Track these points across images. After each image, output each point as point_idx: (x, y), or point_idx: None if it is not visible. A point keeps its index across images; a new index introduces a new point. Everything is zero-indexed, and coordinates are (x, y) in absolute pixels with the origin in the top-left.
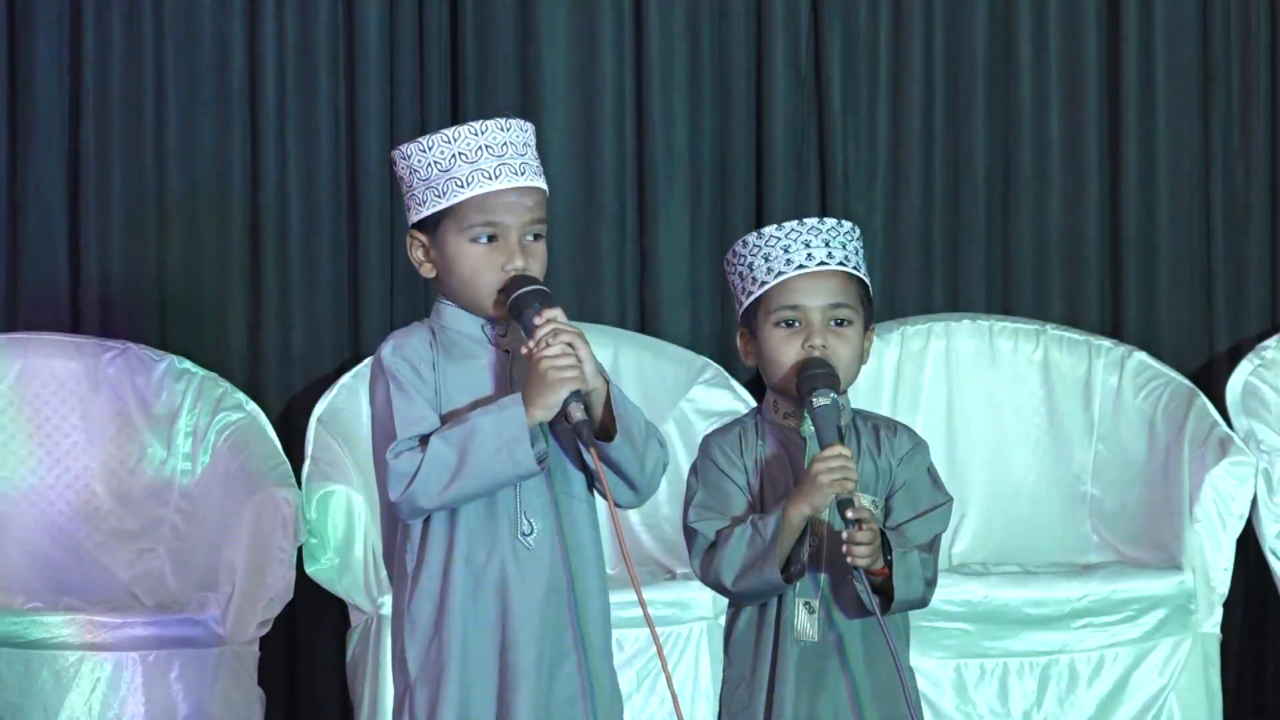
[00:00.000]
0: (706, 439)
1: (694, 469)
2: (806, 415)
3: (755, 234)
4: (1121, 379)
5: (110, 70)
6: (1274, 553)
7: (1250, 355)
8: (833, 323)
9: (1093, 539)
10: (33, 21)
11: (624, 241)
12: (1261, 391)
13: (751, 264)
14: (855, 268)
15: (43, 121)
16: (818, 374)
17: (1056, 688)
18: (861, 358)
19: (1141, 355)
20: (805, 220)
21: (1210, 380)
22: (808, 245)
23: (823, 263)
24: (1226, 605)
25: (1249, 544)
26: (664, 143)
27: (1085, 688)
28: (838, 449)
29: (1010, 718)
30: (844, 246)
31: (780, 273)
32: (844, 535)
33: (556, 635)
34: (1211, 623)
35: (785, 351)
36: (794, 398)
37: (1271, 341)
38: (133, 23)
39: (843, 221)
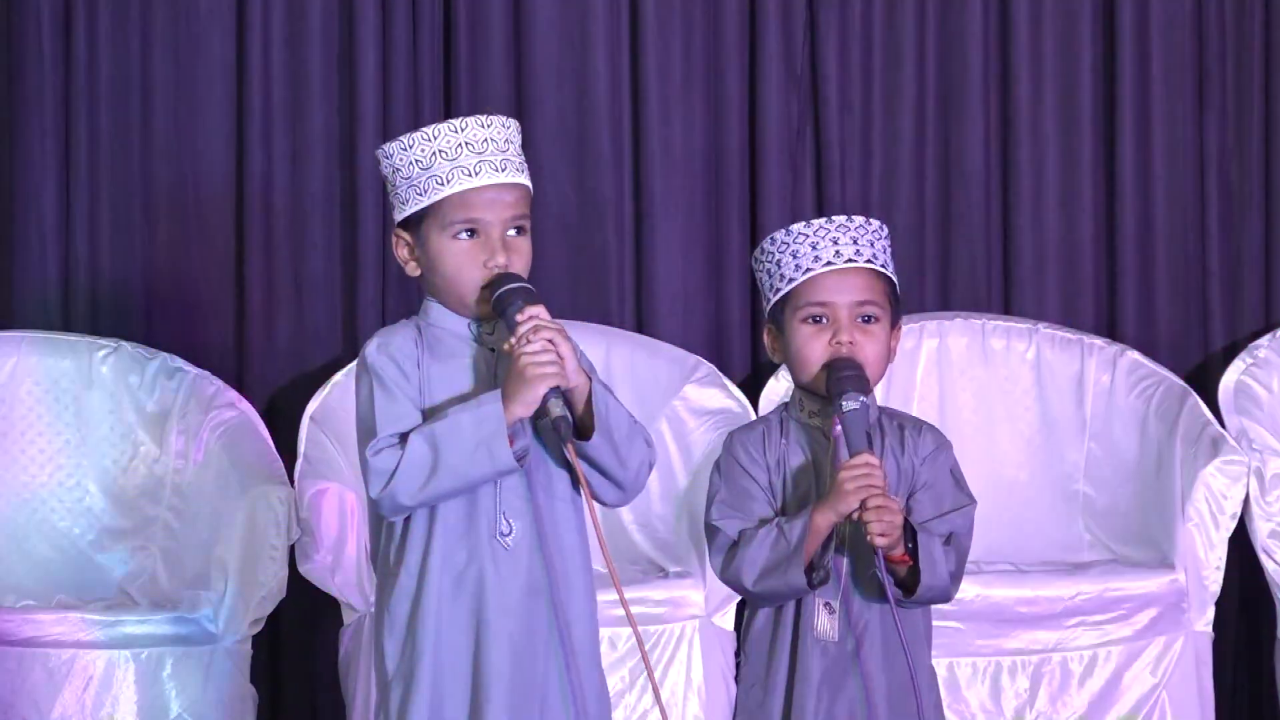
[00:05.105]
0: (731, 436)
1: (717, 466)
2: (834, 415)
3: (784, 230)
4: (1114, 378)
5: (99, 67)
6: (1266, 551)
7: (1243, 354)
8: (860, 319)
9: (1085, 537)
10: (22, 20)
11: (619, 240)
12: (1254, 390)
13: (780, 260)
14: (883, 266)
15: (32, 120)
16: (847, 376)
17: (1049, 686)
18: (889, 356)
19: (1134, 354)
20: (834, 218)
21: (1206, 379)
22: (836, 243)
23: (850, 260)
24: (1222, 604)
25: (1243, 543)
26: (658, 141)
27: (1077, 686)
28: (864, 457)
29: (1002, 716)
30: (872, 244)
31: (808, 269)
32: (862, 516)
33: (535, 637)
34: (1204, 621)
35: (812, 348)
36: (821, 396)
37: (1264, 340)
38: (121, 18)
39: (871, 220)
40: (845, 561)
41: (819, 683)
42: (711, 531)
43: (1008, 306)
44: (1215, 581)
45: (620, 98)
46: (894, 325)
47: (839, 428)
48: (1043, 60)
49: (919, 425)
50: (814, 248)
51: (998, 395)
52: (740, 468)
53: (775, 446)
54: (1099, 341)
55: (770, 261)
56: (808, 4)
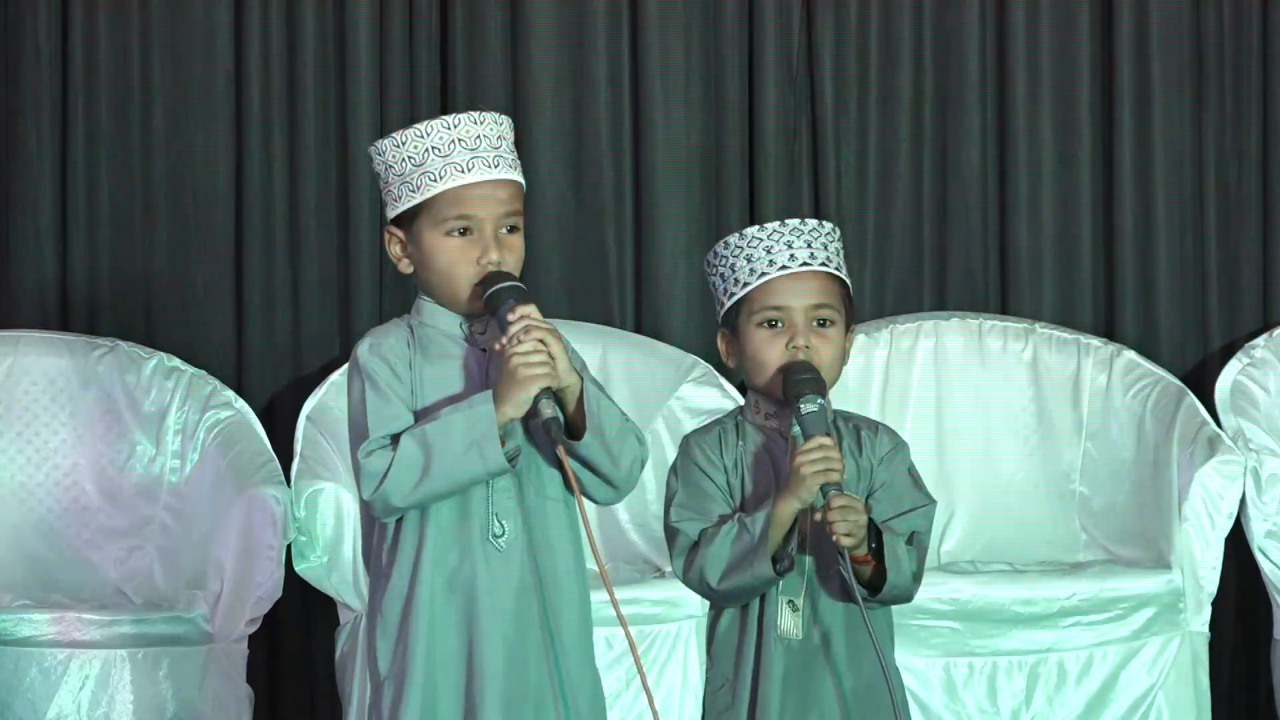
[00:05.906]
0: (687, 438)
1: (674, 468)
2: (793, 417)
3: (737, 235)
4: (1110, 378)
5: (97, 67)
6: (1263, 551)
7: (1239, 354)
8: (815, 323)
9: (1081, 537)
10: (19, 20)
11: (617, 240)
12: (1250, 390)
13: (733, 265)
14: (837, 268)
15: (30, 120)
16: (805, 379)
17: (1045, 686)
18: (843, 358)
19: (1130, 354)
20: (787, 221)
21: (1204, 379)
22: (790, 246)
23: (805, 263)
24: (1220, 604)
25: (1240, 543)
26: (656, 141)
27: (1074, 686)
28: (817, 440)
29: (999, 716)
30: (825, 247)
31: (763, 273)
32: (826, 515)
33: (528, 637)
34: (1200, 621)
35: (768, 352)
36: (777, 399)
37: (1260, 340)
38: (120, 20)
39: (824, 222)
40: (809, 561)
41: (783, 681)
42: (671, 534)
43: (1004, 306)
44: (1212, 581)
45: (618, 98)
46: (848, 327)
47: (796, 429)
48: (1040, 60)
49: (875, 426)
50: (768, 251)
51: (994, 395)
52: (698, 469)
53: (732, 448)
54: (1096, 341)
55: (724, 266)
56: (804, 5)
